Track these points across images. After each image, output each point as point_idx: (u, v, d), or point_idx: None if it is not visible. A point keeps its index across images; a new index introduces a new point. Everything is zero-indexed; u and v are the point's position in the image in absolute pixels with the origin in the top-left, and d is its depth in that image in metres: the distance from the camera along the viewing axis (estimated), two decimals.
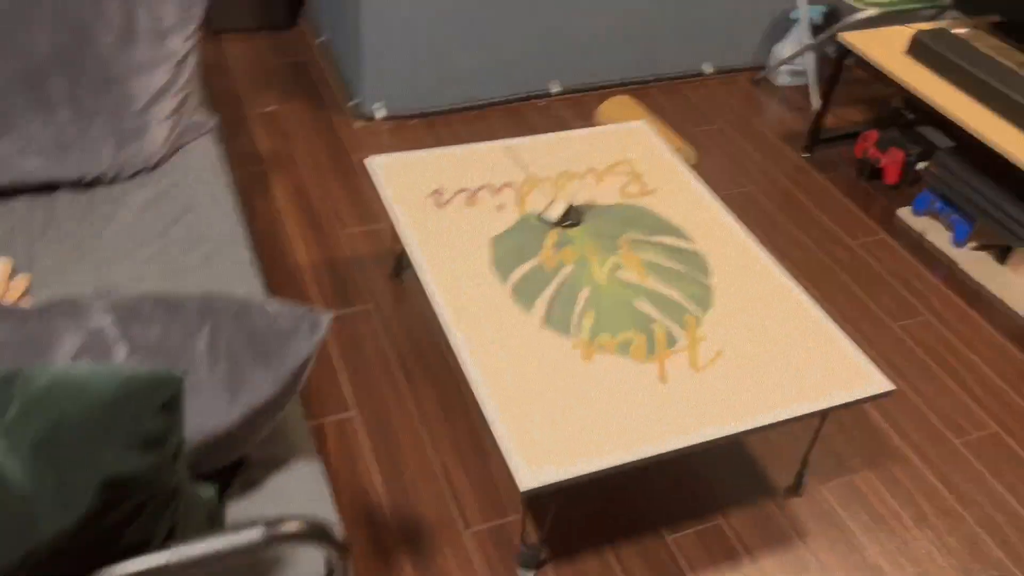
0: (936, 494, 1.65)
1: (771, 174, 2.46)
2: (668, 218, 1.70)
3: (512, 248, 1.60)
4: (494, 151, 1.85)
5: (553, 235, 1.64)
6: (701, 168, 2.45)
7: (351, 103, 2.53)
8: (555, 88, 2.70)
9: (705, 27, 2.76)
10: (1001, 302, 2.08)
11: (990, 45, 2.27)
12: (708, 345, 1.44)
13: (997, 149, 1.94)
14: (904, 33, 2.34)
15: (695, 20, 2.73)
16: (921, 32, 2.21)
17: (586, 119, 2.60)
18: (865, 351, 1.92)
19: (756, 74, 2.90)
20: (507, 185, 1.76)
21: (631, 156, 1.89)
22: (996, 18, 2.16)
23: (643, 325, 1.46)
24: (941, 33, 2.22)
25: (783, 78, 2.85)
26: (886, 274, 2.14)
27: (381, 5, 2.27)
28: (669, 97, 2.76)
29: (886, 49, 2.27)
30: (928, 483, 1.66)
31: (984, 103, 2.06)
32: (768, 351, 1.43)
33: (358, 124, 2.47)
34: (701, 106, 2.73)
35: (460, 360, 1.38)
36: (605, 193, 1.77)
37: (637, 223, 1.68)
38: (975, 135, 1.98)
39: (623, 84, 2.79)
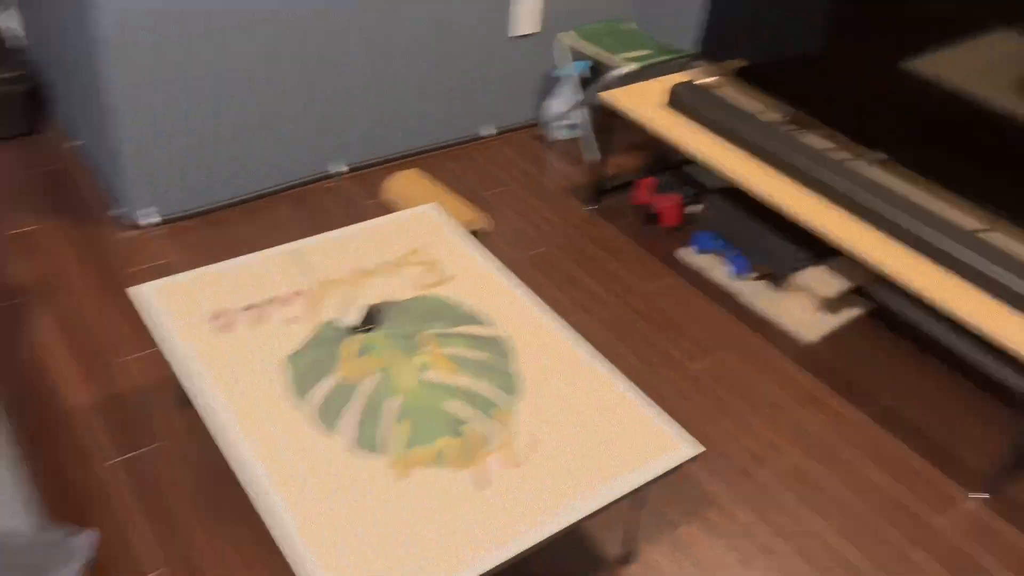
0: (754, 533, 1.73)
1: (563, 230, 2.53)
2: (467, 305, 1.69)
3: (310, 365, 1.52)
4: (278, 258, 1.77)
5: (352, 343, 1.58)
6: (497, 233, 2.48)
7: (116, 211, 2.34)
8: (339, 167, 2.64)
9: (481, 90, 2.81)
10: (780, 326, 2.24)
11: (737, 91, 2.46)
12: (523, 437, 1.43)
13: (752, 190, 2.10)
14: (662, 85, 2.49)
15: (470, 84, 2.77)
16: (676, 85, 2.36)
17: (376, 196, 2.56)
18: (672, 399, 2.00)
19: (535, 131, 2.99)
20: (297, 294, 1.68)
21: (424, 243, 1.86)
22: (741, 63, 2.35)
23: (456, 428, 1.43)
24: (693, 84, 2.38)
25: (560, 133, 2.96)
26: (680, 316, 2.25)
27: (135, 99, 2.12)
28: (456, 163, 2.78)
29: (645, 103, 2.40)
30: (744, 523, 1.75)
31: (736, 147, 2.22)
32: (582, 433, 1.44)
33: (127, 234, 2.29)
34: (488, 168, 2.77)
35: (260, 500, 1.29)
36: (402, 287, 1.73)
37: (438, 316, 1.66)
38: (730, 177, 2.14)
39: (409, 155, 2.78)
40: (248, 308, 1.63)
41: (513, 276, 1.78)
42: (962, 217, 2.01)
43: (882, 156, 2.07)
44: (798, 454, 1.91)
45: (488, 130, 2.93)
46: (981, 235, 1.91)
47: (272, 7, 2.21)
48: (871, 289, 2.19)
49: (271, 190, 2.52)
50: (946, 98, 1.91)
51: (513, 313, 1.67)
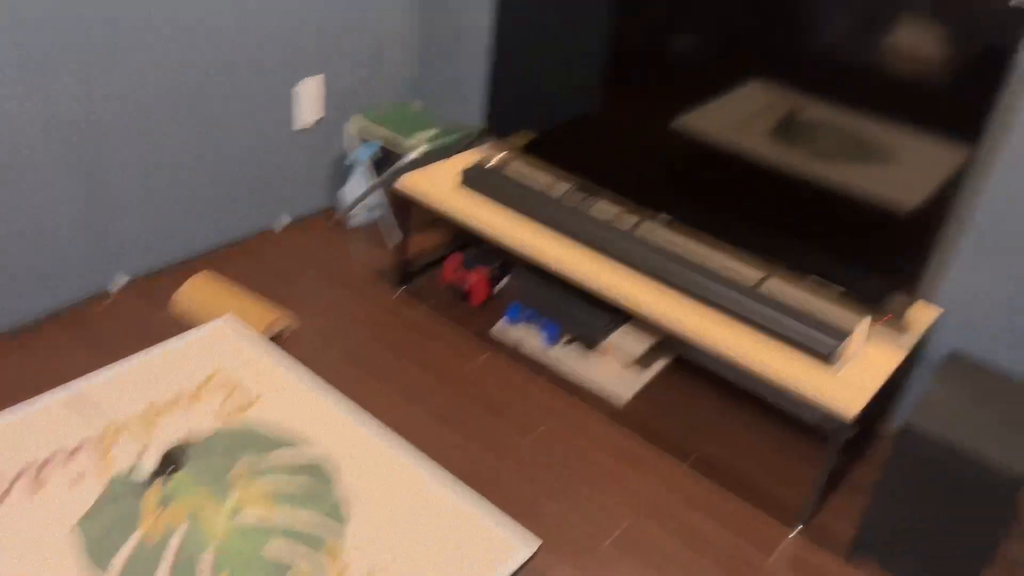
0: None
1: (374, 318, 2.47)
2: (279, 428, 1.59)
3: (106, 527, 1.36)
4: (55, 403, 1.58)
5: (153, 494, 1.43)
6: (303, 332, 2.37)
7: None
8: (121, 281, 2.43)
9: (271, 181, 2.71)
10: (596, 388, 2.30)
11: (526, 165, 2.53)
12: (357, 569, 1.35)
13: (547, 263, 2.15)
14: (454, 166, 2.51)
15: (258, 176, 2.67)
16: (466, 167, 2.38)
17: (166, 307, 2.38)
18: (509, 483, 1.98)
19: (332, 217, 2.92)
20: (82, 445, 1.51)
21: (223, 363, 1.74)
22: (528, 137, 2.42)
23: (282, 574, 1.33)
24: (482, 163, 2.42)
25: (358, 217, 2.91)
26: (504, 392, 2.25)
27: None
28: (251, 259, 2.65)
29: (439, 186, 2.41)
30: None
31: (529, 221, 2.27)
32: (419, 552, 1.38)
33: None
34: (287, 262, 2.66)
35: None
36: (203, 419, 1.60)
37: (248, 446, 1.54)
38: (528, 252, 2.18)
39: (200, 256, 2.62)
40: (21, 473, 1.44)
41: (325, 384, 1.70)
42: (744, 269, 2.16)
43: (666, 217, 2.19)
44: (633, 518, 1.95)
45: (283, 221, 2.82)
46: (760, 285, 2.06)
47: (31, 100, 2.01)
48: (672, 342, 2.31)
49: (42, 315, 2.27)
50: (712, 155, 2.05)
51: (330, 427, 1.59)
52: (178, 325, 2.29)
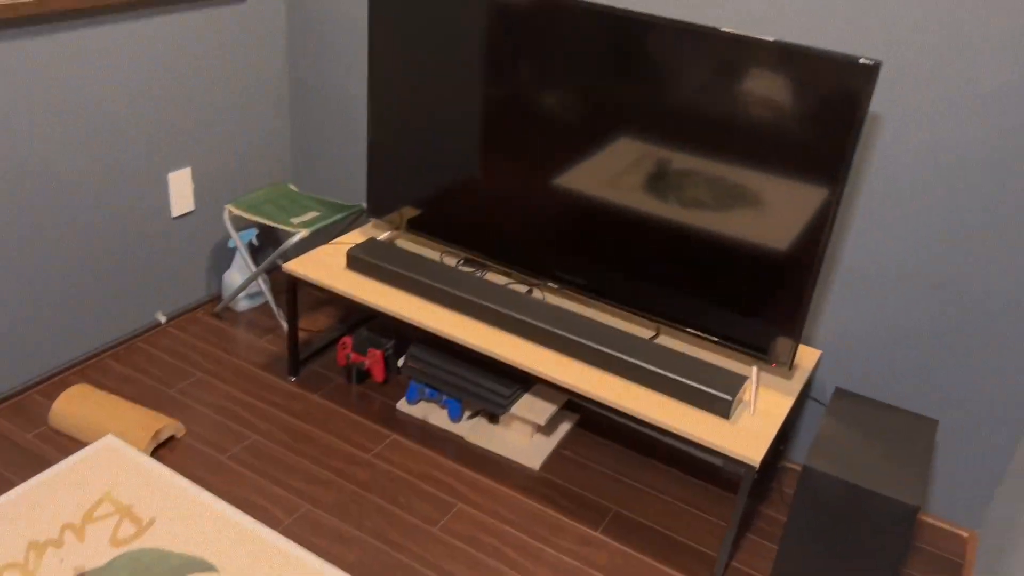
0: None
1: (267, 413, 2.37)
2: (179, 551, 1.50)
3: None
4: None
5: None
6: (193, 437, 2.26)
7: None
8: None
9: (147, 276, 2.59)
10: (506, 459, 2.28)
11: (412, 240, 2.52)
12: None
13: (442, 336, 2.14)
14: (339, 247, 2.47)
15: (133, 272, 2.54)
16: (352, 248, 2.35)
17: (41, 425, 2.21)
18: (426, 573, 1.92)
19: (215, 306, 2.81)
20: None
21: (110, 485, 1.63)
22: (412, 213, 2.41)
23: None
24: (368, 242, 2.40)
25: (243, 304, 2.81)
26: (409, 476, 2.20)
27: None
28: (130, 363, 2.51)
29: (325, 267, 2.36)
30: None
31: (419, 297, 2.26)
32: None
33: None
34: (170, 361, 2.54)
35: None
36: (95, 551, 1.49)
37: (147, 574, 1.45)
38: (423, 328, 2.16)
39: (73, 366, 2.46)
40: None
41: (216, 499, 1.61)
42: (635, 327, 2.21)
43: (552, 284, 2.22)
44: None
45: (163, 317, 2.70)
46: (652, 343, 2.11)
47: None
48: (576, 403, 2.32)
49: None
50: (590, 214, 2.10)
51: (230, 544, 1.51)
52: (56, 445, 2.13)
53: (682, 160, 1.93)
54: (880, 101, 1.93)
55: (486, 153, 2.21)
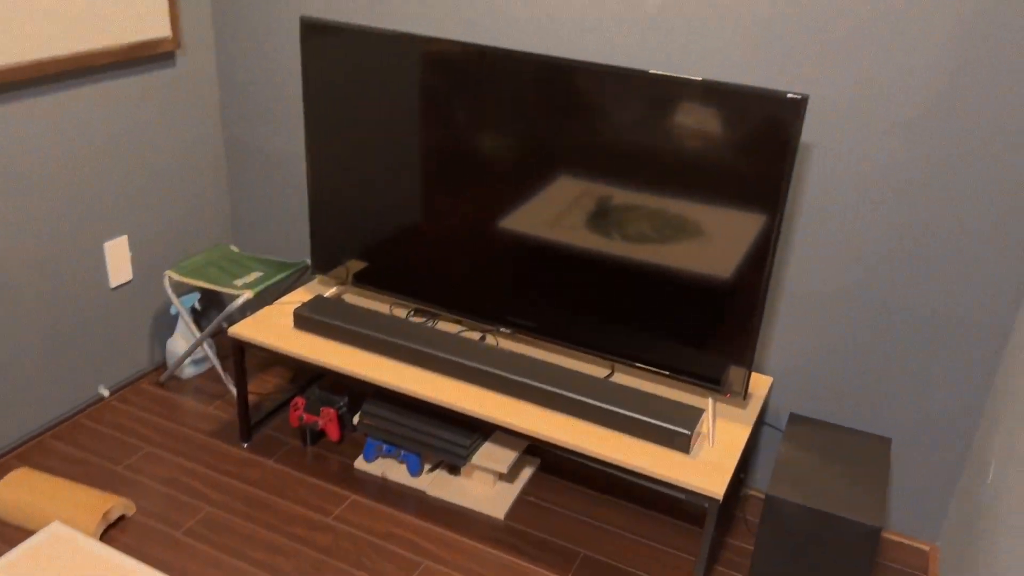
0: None
1: (221, 483, 2.30)
2: None
3: None
4: None
5: None
6: (144, 514, 2.17)
7: None
8: None
9: (88, 349, 2.51)
10: (470, 511, 2.25)
11: (359, 295, 2.50)
12: None
13: (396, 389, 2.11)
14: (285, 307, 2.43)
15: (73, 345, 2.46)
16: (298, 307, 2.32)
17: None
18: None
19: (160, 375, 2.73)
20: None
21: None
22: (357, 267, 2.39)
23: None
24: (314, 300, 2.36)
25: (188, 371, 2.74)
26: (372, 537, 2.15)
27: None
28: (74, 442, 2.42)
29: (272, 328, 2.32)
30: None
31: (371, 352, 2.23)
32: None
33: None
34: (116, 436, 2.45)
35: None
36: None
37: None
38: (376, 383, 2.13)
39: (13, 450, 2.36)
40: None
41: None
42: (590, 368, 2.22)
43: (505, 330, 2.22)
44: None
45: (105, 391, 2.61)
46: (607, 382, 2.11)
47: None
48: (537, 448, 2.30)
49: None
50: (536, 255, 2.11)
51: None
52: None
53: (623, 196, 1.96)
54: (810, 132, 1.99)
55: (429, 201, 2.20)
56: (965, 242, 1.92)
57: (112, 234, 2.51)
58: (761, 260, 1.84)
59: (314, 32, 2.19)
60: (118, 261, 2.54)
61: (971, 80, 1.80)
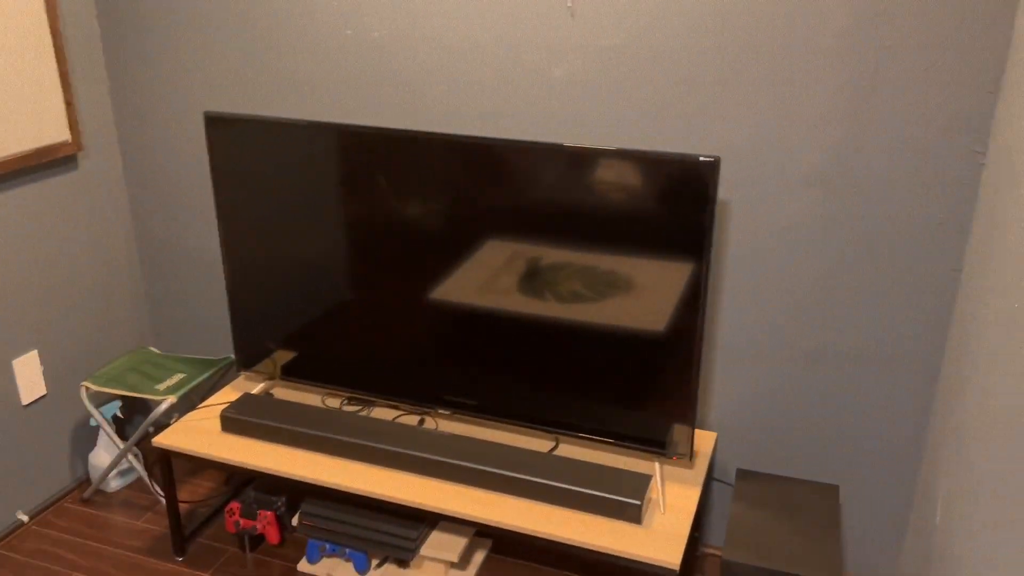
0: None
1: None
2: None
3: None
4: None
5: None
6: None
7: None
8: None
9: (7, 466, 2.35)
10: None
11: (289, 388, 2.41)
12: None
13: (338, 487, 2.02)
14: (212, 411, 2.33)
15: None
16: (224, 410, 2.22)
17: None
18: None
19: (84, 492, 2.58)
20: None
21: None
22: (284, 358, 2.30)
23: None
24: (244, 398, 2.27)
25: (114, 484, 2.59)
26: None
27: None
28: None
29: (200, 434, 2.22)
30: None
31: (303, 448, 2.14)
32: None
33: None
34: (40, 564, 2.28)
35: None
36: None
37: None
38: (313, 482, 2.04)
39: None
40: None
41: None
42: (533, 443, 2.17)
43: (442, 410, 2.16)
44: None
45: (24, 516, 2.44)
46: (551, 457, 2.07)
47: None
48: (486, 532, 2.23)
49: None
50: (467, 326, 2.07)
51: None
52: None
53: (553, 255, 1.93)
54: (726, 188, 2.01)
55: (353, 282, 2.15)
56: (882, 281, 1.95)
57: (21, 350, 2.38)
58: (693, 312, 1.84)
59: (219, 126, 2.14)
60: (29, 377, 2.41)
61: (866, 128, 1.85)
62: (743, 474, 2.11)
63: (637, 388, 1.95)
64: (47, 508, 2.52)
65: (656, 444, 1.97)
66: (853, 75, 1.82)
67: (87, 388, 2.45)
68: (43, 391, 2.46)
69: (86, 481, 2.64)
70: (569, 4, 1.99)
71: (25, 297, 2.38)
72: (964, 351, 1.76)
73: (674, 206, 1.78)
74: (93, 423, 2.53)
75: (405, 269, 2.07)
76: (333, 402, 2.35)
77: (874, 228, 1.92)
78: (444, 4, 2.10)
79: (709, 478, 2.27)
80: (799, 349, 2.07)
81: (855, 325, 2.01)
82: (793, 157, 1.93)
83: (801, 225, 1.98)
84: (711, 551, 2.36)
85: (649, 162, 1.77)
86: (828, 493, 2.04)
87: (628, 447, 2.00)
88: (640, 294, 1.88)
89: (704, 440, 2.17)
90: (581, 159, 1.82)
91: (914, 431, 2.04)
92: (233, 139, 2.13)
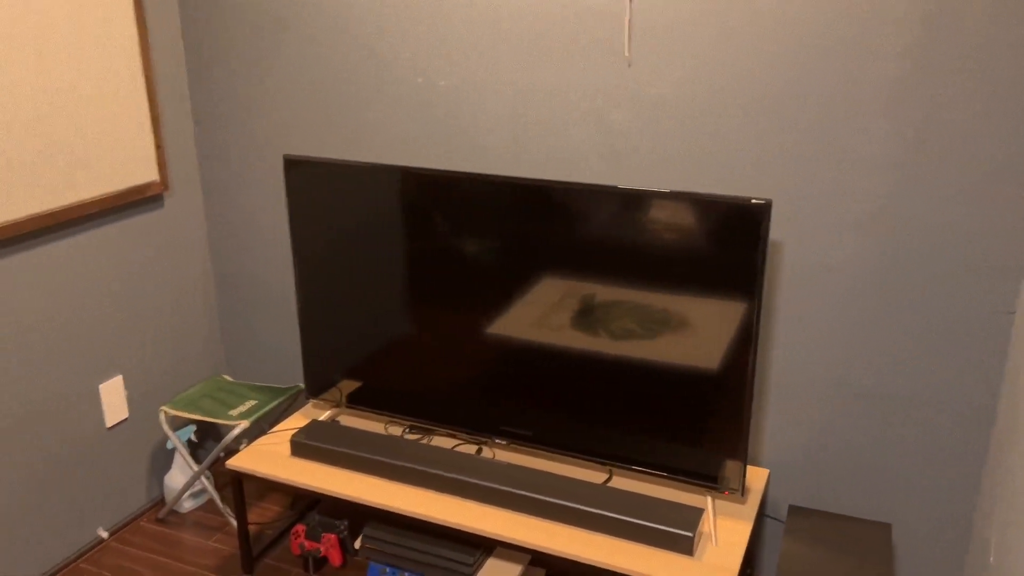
0: None
1: None
2: None
3: None
4: None
5: None
6: None
7: None
8: None
9: (82, 489, 2.50)
10: None
11: (355, 416, 2.52)
12: None
13: (399, 511, 2.11)
14: (282, 436, 2.45)
15: (65, 487, 2.45)
16: (295, 434, 2.34)
17: None
18: None
19: (159, 512, 2.72)
20: None
21: None
22: (351, 388, 2.42)
23: None
24: (310, 426, 2.39)
25: (187, 505, 2.73)
26: None
27: None
28: None
29: (270, 458, 2.33)
30: None
31: (368, 474, 2.24)
32: None
33: None
34: None
35: None
36: None
37: None
38: (376, 506, 2.13)
39: None
40: None
41: None
42: (587, 474, 2.23)
43: (499, 440, 2.24)
44: None
45: (104, 532, 2.59)
46: (605, 488, 2.12)
47: None
48: (541, 559, 2.29)
49: None
50: (526, 361, 2.15)
51: None
52: None
53: (607, 293, 2.02)
54: (778, 230, 2.07)
55: (417, 317, 2.26)
56: (935, 325, 1.98)
57: (107, 375, 2.54)
58: (745, 351, 1.89)
59: (297, 168, 2.29)
60: (113, 401, 2.57)
61: (918, 174, 1.90)
62: (795, 511, 2.14)
63: (689, 424, 2.01)
64: (125, 526, 2.66)
65: (708, 479, 2.02)
66: (903, 124, 1.88)
67: (165, 412, 2.60)
68: (125, 414, 2.62)
69: (161, 501, 2.78)
70: (627, 54, 2.09)
71: (111, 325, 2.55)
72: (1020, 394, 1.78)
73: (727, 247, 1.85)
74: (170, 446, 2.68)
75: (465, 304, 2.18)
76: (395, 430, 2.45)
77: (927, 272, 1.96)
78: (507, 56, 2.22)
79: (761, 514, 2.30)
80: (852, 389, 2.11)
81: (908, 367, 2.03)
82: (844, 201, 1.98)
83: (854, 266, 2.02)
84: None
85: (703, 204, 1.84)
86: (881, 532, 2.05)
87: (680, 480, 2.05)
88: (693, 332, 1.94)
89: (756, 476, 2.21)
90: (636, 201, 1.91)
91: (968, 471, 2.05)
92: (309, 180, 2.28)
